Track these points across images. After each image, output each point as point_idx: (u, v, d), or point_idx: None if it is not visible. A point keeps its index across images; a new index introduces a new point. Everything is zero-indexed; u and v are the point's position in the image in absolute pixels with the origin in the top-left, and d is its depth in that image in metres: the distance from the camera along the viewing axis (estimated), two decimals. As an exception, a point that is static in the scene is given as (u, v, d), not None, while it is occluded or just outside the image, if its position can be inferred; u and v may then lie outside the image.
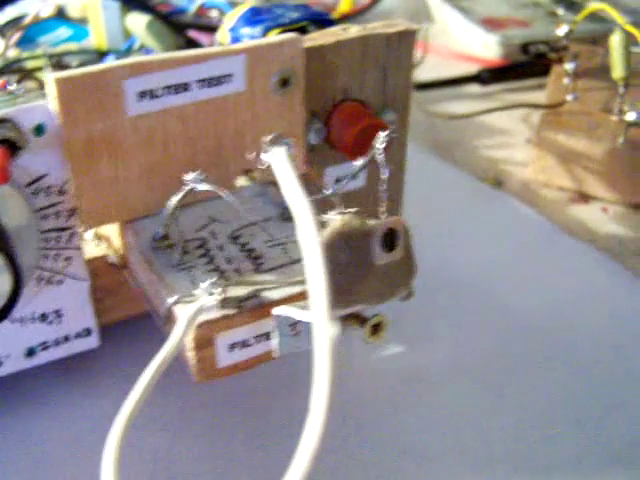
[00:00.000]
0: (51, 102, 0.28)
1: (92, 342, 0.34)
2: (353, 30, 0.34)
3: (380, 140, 0.27)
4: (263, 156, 0.25)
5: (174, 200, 0.28)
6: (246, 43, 0.30)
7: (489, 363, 0.37)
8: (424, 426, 0.34)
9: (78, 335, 0.33)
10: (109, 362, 0.36)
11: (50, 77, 0.27)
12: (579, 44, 0.55)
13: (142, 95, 0.29)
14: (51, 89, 0.28)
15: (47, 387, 0.35)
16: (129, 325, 0.36)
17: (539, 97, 0.56)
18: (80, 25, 0.55)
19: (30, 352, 0.32)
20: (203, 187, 0.26)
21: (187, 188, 0.27)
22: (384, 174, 0.27)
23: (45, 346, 0.33)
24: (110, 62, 0.29)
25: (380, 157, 0.28)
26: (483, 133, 0.56)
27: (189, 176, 0.27)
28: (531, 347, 0.38)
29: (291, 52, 0.31)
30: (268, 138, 0.25)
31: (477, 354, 0.37)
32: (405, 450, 0.33)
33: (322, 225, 0.25)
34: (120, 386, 0.27)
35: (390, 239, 0.25)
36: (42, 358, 0.33)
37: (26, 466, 0.32)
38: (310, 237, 0.19)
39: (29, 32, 0.54)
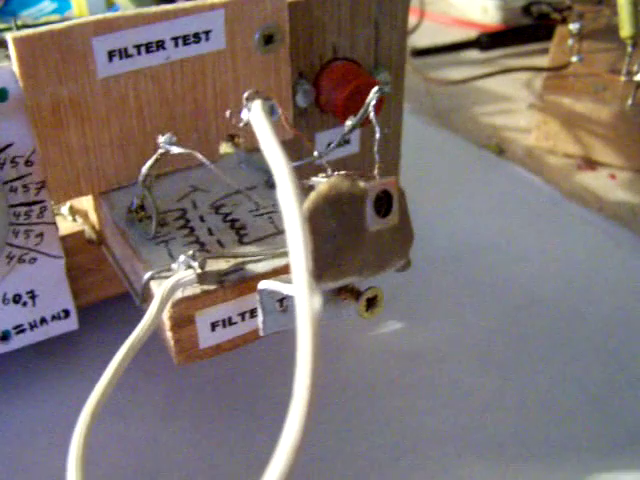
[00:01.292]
0: (13, 65, 0.26)
1: (71, 324, 0.32)
2: (342, -16, 0.32)
3: (372, 96, 0.25)
4: (243, 113, 0.23)
5: (147, 166, 0.25)
6: (224, -3, 0.28)
7: (493, 340, 0.35)
8: (425, 406, 0.32)
9: (55, 317, 0.31)
10: (89, 344, 0.34)
11: (8, 37, 0.25)
12: (584, 4, 0.53)
13: (112, 55, 0.27)
14: (11, 50, 0.25)
15: (25, 371, 0.33)
16: (110, 305, 0.34)
17: (542, 62, 0.53)
18: (65, -1, 0.52)
19: (4, 336, 0.30)
20: (176, 150, 0.24)
21: (158, 151, 0.24)
22: (377, 134, 0.25)
23: (20, 329, 0.31)
24: (79, 18, 0.26)
25: (372, 115, 0.25)
26: (484, 99, 0.53)
27: (161, 138, 0.24)
28: (537, 322, 0.36)
29: (274, 7, 0.28)
30: (246, 93, 0.23)
31: (480, 330, 0.35)
32: (405, 431, 0.31)
33: (308, 190, 0.23)
34: (101, 369, 0.25)
35: (384, 203, 0.23)
36: (18, 342, 0.31)
37: (4, 450, 0.30)
38: (288, 197, 0.17)
39: (11, 5, 0.52)
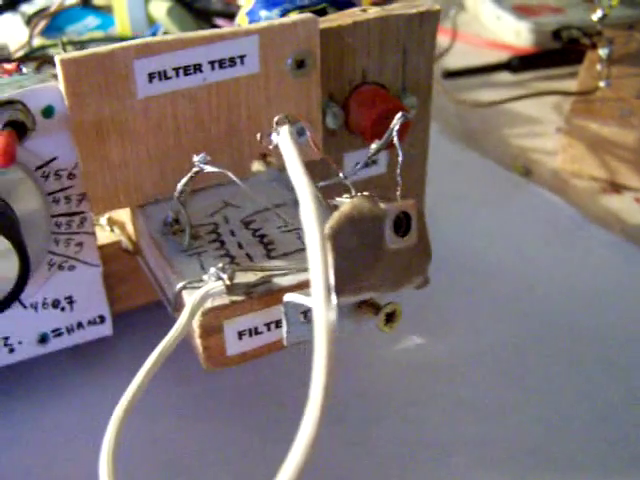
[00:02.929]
0: (60, 84, 0.27)
1: (105, 330, 0.33)
2: (372, 11, 0.33)
3: (395, 122, 0.26)
4: (273, 136, 0.24)
5: (182, 182, 0.27)
6: (259, 24, 0.29)
7: (509, 357, 0.36)
8: (443, 419, 0.33)
9: (91, 322, 0.33)
10: (123, 351, 0.36)
11: (56, 58, 0.27)
12: (614, 30, 0.54)
13: (152, 77, 0.28)
14: (58, 70, 0.27)
15: (60, 375, 0.35)
16: (144, 313, 0.35)
17: (571, 85, 0.54)
18: (107, 14, 0.54)
19: (43, 338, 0.32)
20: (209, 168, 0.25)
21: (193, 170, 0.26)
22: (400, 157, 0.26)
23: (58, 333, 0.32)
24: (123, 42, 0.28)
25: (396, 139, 0.26)
26: (513, 122, 0.54)
27: (196, 158, 0.26)
28: (556, 340, 0.37)
29: (306, 33, 0.30)
30: (277, 118, 0.24)
31: (497, 348, 0.36)
32: (423, 443, 0.32)
33: (333, 209, 0.25)
34: (133, 373, 0.27)
35: (403, 223, 0.24)
36: (55, 345, 0.32)
37: (40, 452, 0.32)
38: (310, 219, 0.18)
39: (57, 21, 0.54)
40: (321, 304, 0.17)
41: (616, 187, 0.47)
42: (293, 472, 0.16)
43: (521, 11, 0.64)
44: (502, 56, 0.61)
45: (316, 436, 0.17)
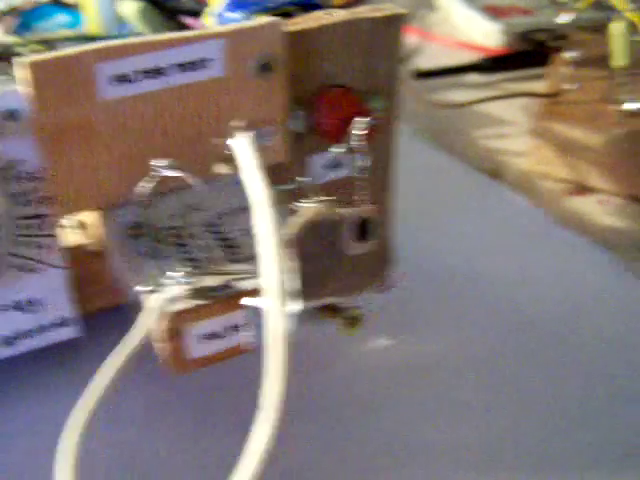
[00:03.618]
0: (23, 87, 0.27)
1: (72, 331, 0.33)
2: (338, 14, 0.33)
3: (357, 127, 0.27)
4: (230, 142, 0.24)
5: (142, 187, 0.27)
6: (224, 27, 0.29)
7: (479, 358, 0.36)
8: (414, 422, 0.33)
9: (57, 324, 0.33)
10: (91, 352, 0.35)
11: (20, 62, 0.27)
12: (581, 32, 0.54)
13: (115, 80, 0.28)
14: (23, 73, 0.27)
15: (27, 377, 0.35)
16: (112, 314, 0.35)
17: (540, 87, 0.55)
18: (79, 11, 0.54)
19: (8, 341, 0.32)
20: (172, 173, 0.25)
21: (156, 175, 0.26)
22: (363, 162, 0.26)
23: (22, 335, 0.32)
24: (85, 45, 0.28)
25: (357, 144, 0.27)
26: (482, 122, 0.55)
27: (159, 163, 0.26)
28: (526, 341, 0.37)
29: (271, 36, 0.30)
30: (238, 124, 0.24)
31: (467, 348, 0.37)
32: (397, 446, 0.32)
33: (294, 214, 0.25)
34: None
35: (363, 229, 0.24)
36: (20, 347, 0.32)
37: (3, 456, 0.31)
38: (265, 228, 0.18)
39: (27, 18, 0.53)
40: (276, 310, 0.17)
41: (582, 189, 0.48)
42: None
43: (491, 12, 0.65)
44: (472, 57, 0.62)
45: (270, 439, 0.17)
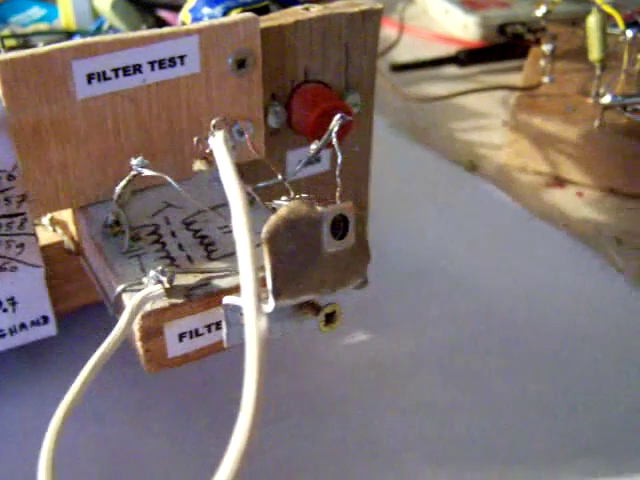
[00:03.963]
0: (-3, 85, 0.27)
1: (49, 330, 0.33)
2: (314, 10, 0.33)
3: (334, 123, 0.27)
4: (209, 140, 0.24)
5: (120, 186, 0.27)
6: (199, 24, 0.29)
7: (455, 352, 0.36)
8: (390, 419, 0.33)
9: (34, 323, 0.32)
10: (69, 350, 0.36)
11: (-8, 59, 0.26)
12: (558, 25, 0.55)
13: (90, 77, 0.28)
14: (-5, 72, 0.27)
15: (5, 375, 0.35)
16: (88, 312, 0.35)
17: (517, 79, 0.55)
18: (53, 5, 0.54)
19: (-14, 340, 0.32)
20: (147, 172, 0.25)
21: (131, 173, 0.26)
22: (339, 159, 0.26)
23: (0, 334, 0.32)
24: (60, 42, 0.28)
25: (335, 141, 0.27)
26: (459, 116, 0.55)
27: (134, 161, 0.26)
28: (500, 336, 0.37)
29: (247, 32, 0.30)
30: (213, 121, 0.24)
31: (443, 343, 0.37)
32: (370, 444, 0.32)
33: (271, 211, 0.25)
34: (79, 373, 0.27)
35: (341, 226, 0.24)
36: (-1, 346, 0.32)
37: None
38: (241, 228, 0.18)
39: (1, 11, 0.53)
40: (252, 308, 0.17)
41: (560, 181, 0.48)
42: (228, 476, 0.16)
43: (469, 5, 0.65)
44: (450, 49, 0.62)
45: (251, 438, 0.17)
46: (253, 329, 0.17)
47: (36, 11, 0.54)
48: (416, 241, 0.43)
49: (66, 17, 0.49)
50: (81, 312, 0.35)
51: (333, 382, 0.35)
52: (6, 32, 0.48)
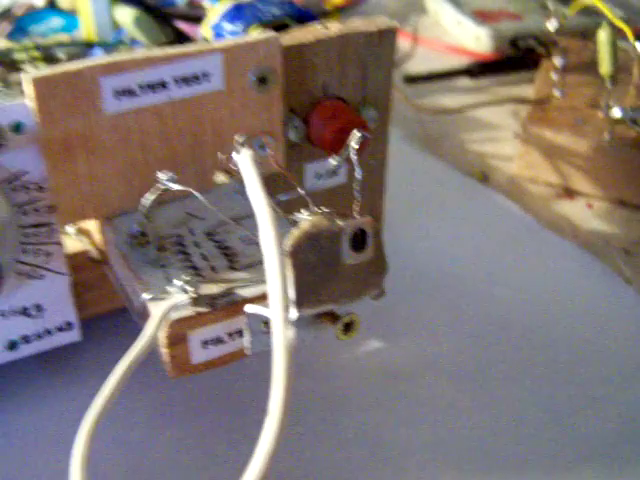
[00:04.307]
0: (28, 101, 0.28)
1: (74, 336, 0.34)
2: (333, 28, 0.34)
3: (354, 140, 0.28)
4: (234, 156, 0.25)
5: (147, 200, 0.28)
6: (223, 42, 0.30)
7: (466, 360, 0.37)
8: (400, 422, 0.34)
9: (60, 329, 0.34)
10: (91, 356, 0.37)
11: (26, 77, 0.27)
12: (569, 39, 0.55)
13: (118, 93, 0.29)
14: (28, 88, 0.28)
15: (29, 380, 0.36)
16: (111, 319, 0.36)
17: (529, 91, 0.56)
18: (72, 15, 0.55)
19: (12, 345, 0.33)
20: (176, 187, 0.26)
21: (160, 188, 0.27)
22: (358, 174, 0.28)
23: (27, 339, 0.33)
24: (89, 59, 0.29)
25: (354, 157, 0.28)
26: (472, 127, 0.56)
27: (162, 175, 0.27)
28: (510, 344, 0.38)
29: (269, 51, 0.31)
30: (240, 138, 0.25)
31: (454, 351, 0.38)
32: (381, 445, 0.33)
33: (293, 224, 0.26)
34: (102, 380, 0.28)
35: (360, 239, 0.25)
36: (24, 351, 0.33)
37: (8, 459, 0.32)
38: (269, 240, 0.19)
39: (21, 22, 0.54)
40: (279, 319, 0.18)
41: (569, 193, 0.49)
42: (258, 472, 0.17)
43: (481, 17, 0.66)
44: (462, 61, 0.63)
45: (277, 445, 0.18)
46: (281, 336, 0.18)
47: (55, 21, 0.55)
48: (428, 250, 0.44)
49: (87, 28, 0.50)
50: (104, 319, 0.36)
51: (346, 387, 0.36)
52: (29, 44, 0.49)
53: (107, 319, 0.36)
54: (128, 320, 0.32)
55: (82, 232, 0.34)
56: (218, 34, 0.36)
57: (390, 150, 0.40)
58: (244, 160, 0.24)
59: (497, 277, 0.43)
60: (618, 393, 0.36)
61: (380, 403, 0.35)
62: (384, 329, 0.39)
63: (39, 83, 0.28)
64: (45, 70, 0.28)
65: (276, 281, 0.19)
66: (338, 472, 0.32)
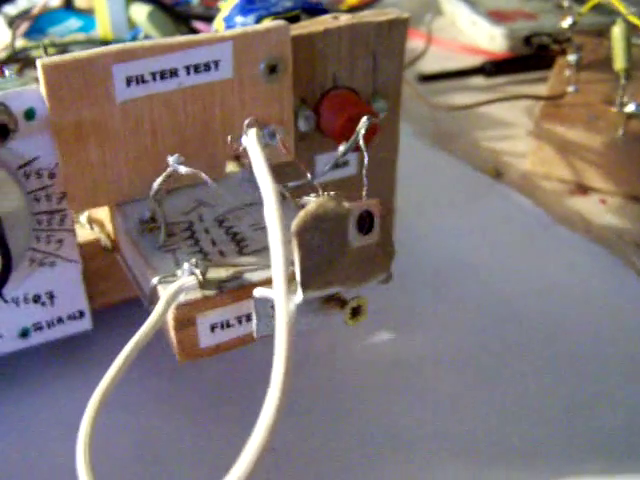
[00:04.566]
0: (41, 87, 0.29)
1: (85, 324, 0.34)
2: (343, 18, 0.34)
3: (361, 125, 0.28)
4: (242, 139, 0.25)
5: (157, 182, 0.28)
6: (233, 30, 0.31)
7: (476, 352, 0.37)
8: (411, 413, 0.34)
9: (71, 317, 0.34)
10: (102, 345, 0.37)
11: (38, 62, 0.28)
12: (584, 36, 0.55)
13: (129, 81, 0.29)
14: (39, 74, 0.28)
15: (41, 369, 0.36)
16: (122, 310, 0.36)
17: (544, 90, 0.56)
18: (90, 16, 0.55)
19: (24, 333, 0.33)
20: (184, 169, 0.27)
21: (168, 170, 0.27)
22: (365, 159, 0.28)
23: (39, 327, 0.33)
24: (101, 47, 0.29)
25: (361, 142, 0.28)
26: (485, 125, 0.56)
27: (170, 159, 0.27)
28: (521, 337, 0.38)
29: (278, 39, 0.31)
30: (247, 120, 0.25)
31: (464, 343, 0.38)
32: (391, 436, 0.33)
33: (300, 208, 0.26)
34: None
35: (367, 222, 0.26)
36: (36, 339, 0.33)
37: (17, 447, 0.33)
38: (272, 218, 0.20)
39: (39, 23, 0.55)
40: (282, 300, 0.18)
41: (583, 189, 0.49)
42: (252, 456, 0.18)
43: (496, 17, 0.66)
44: (477, 61, 0.63)
45: (276, 419, 0.18)
46: (283, 318, 0.18)
47: (73, 22, 0.56)
48: (441, 245, 0.44)
49: (103, 27, 0.51)
50: (114, 309, 0.37)
51: (356, 378, 0.36)
52: (46, 42, 0.49)
53: (118, 310, 0.37)
54: (139, 311, 0.33)
55: (94, 221, 0.35)
56: (229, 26, 0.37)
57: (403, 147, 0.40)
58: (250, 140, 0.24)
59: (510, 271, 0.42)
60: (630, 386, 0.36)
61: (389, 393, 0.35)
62: (395, 321, 0.39)
63: (49, 69, 0.28)
64: (56, 57, 0.28)
65: (278, 253, 0.19)
66: (347, 464, 0.32)
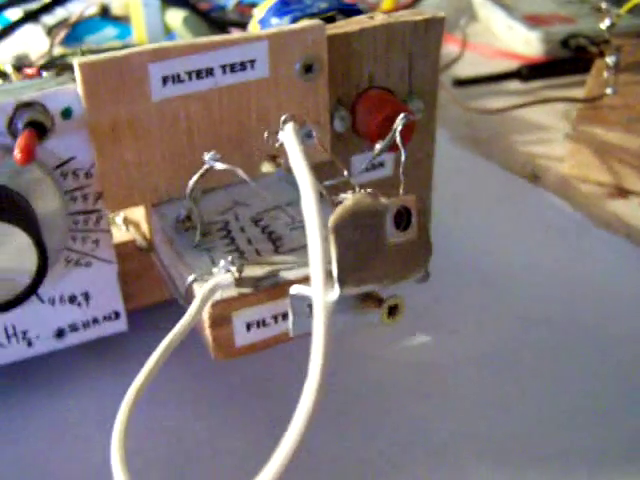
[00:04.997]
0: (77, 86, 0.29)
1: (121, 325, 0.34)
2: (379, 18, 0.34)
3: (398, 123, 0.28)
4: (279, 135, 0.25)
5: (193, 179, 0.28)
6: (269, 30, 0.31)
7: (511, 355, 0.37)
8: (444, 416, 0.34)
9: (107, 318, 0.34)
10: (137, 346, 0.37)
11: (75, 62, 0.28)
12: (623, 38, 0.55)
13: (165, 80, 0.29)
14: (76, 74, 0.28)
15: (76, 367, 0.36)
16: (157, 312, 0.36)
17: (581, 93, 0.55)
18: (126, 24, 0.56)
19: (60, 333, 0.33)
20: (220, 166, 0.27)
21: (204, 167, 0.27)
22: (402, 156, 0.27)
23: (74, 328, 0.33)
24: (137, 47, 0.29)
25: (399, 139, 0.28)
26: (521, 128, 0.55)
27: (206, 155, 0.27)
28: (560, 341, 0.38)
29: (314, 39, 0.31)
30: (283, 117, 0.25)
31: (504, 346, 0.37)
32: (423, 439, 0.33)
33: (336, 205, 0.26)
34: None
35: (404, 218, 0.25)
36: (71, 339, 0.34)
37: (52, 444, 0.33)
38: (311, 212, 0.19)
39: (77, 32, 0.55)
40: (319, 297, 0.18)
41: (622, 192, 0.48)
42: (284, 456, 0.17)
43: (532, 21, 0.65)
44: (512, 65, 0.62)
45: (311, 419, 0.18)
46: (320, 315, 0.17)
47: (109, 31, 0.57)
48: (477, 247, 0.43)
49: (139, 32, 0.51)
50: (149, 311, 0.36)
51: (390, 380, 0.36)
52: (83, 48, 0.50)
53: (153, 312, 0.36)
54: (174, 312, 0.33)
55: (129, 222, 0.35)
56: (264, 28, 0.37)
57: (439, 151, 0.40)
58: (287, 134, 0.24)
59: (549, 274, 0.42)
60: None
61: (422, 397, 0.35)
62: (431, 323, 0.38)
63: (86, 68, 0.28)
64: (92, 56, 0.28)
65: (317, 250, 0.18)
66: (379, 462, 0.32)
